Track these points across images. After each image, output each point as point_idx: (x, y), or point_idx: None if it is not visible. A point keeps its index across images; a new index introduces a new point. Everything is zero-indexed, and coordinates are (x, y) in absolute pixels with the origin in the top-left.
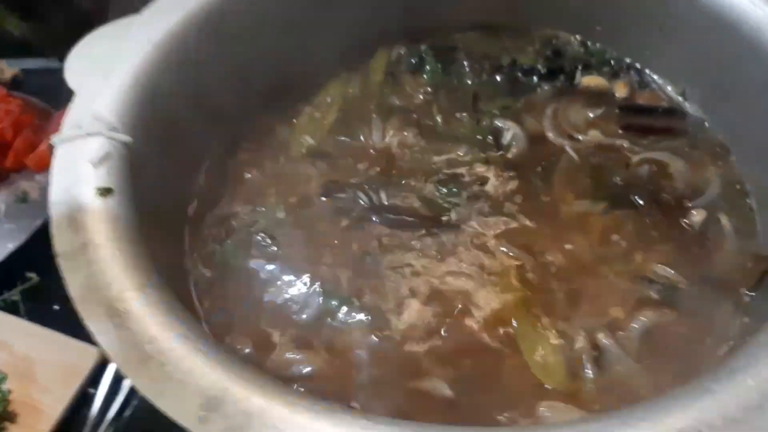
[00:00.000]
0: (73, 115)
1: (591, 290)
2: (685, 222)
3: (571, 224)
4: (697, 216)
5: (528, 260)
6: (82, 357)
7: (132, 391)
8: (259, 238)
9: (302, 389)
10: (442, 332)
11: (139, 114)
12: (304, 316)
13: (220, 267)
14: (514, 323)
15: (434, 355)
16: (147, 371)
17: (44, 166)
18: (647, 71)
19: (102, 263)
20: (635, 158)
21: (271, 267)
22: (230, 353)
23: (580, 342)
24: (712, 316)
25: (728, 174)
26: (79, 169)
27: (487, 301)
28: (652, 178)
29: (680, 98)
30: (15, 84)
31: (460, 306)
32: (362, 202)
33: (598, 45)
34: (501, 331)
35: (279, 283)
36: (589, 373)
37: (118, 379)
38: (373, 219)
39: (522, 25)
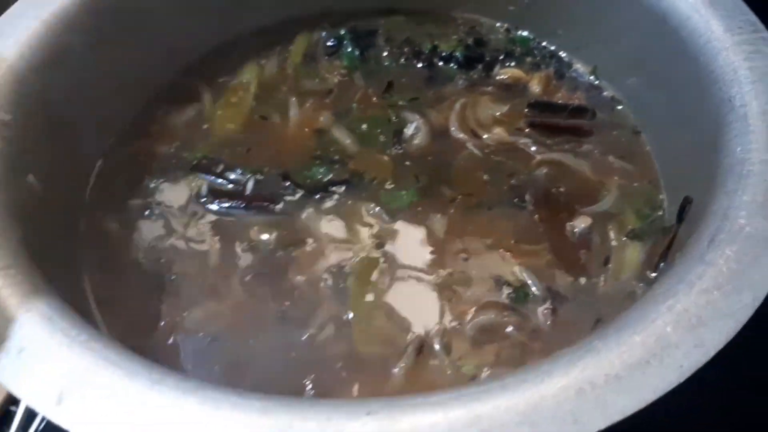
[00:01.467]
0: None
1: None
2: (570, 227)
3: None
4: (580, 222)
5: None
6: None
7: None
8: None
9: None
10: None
11: (19, 92)
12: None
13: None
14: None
15: None
16: (4, 355)
17: None
18: (565, 57)
19: None
20: (536, 159)
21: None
22: (97, 335)
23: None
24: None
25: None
26: None
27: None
28: (550, 180)
29: (592, 78)
30: None
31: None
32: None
33: (520, 33)
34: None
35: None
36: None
37: None
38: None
39: (446, 11)
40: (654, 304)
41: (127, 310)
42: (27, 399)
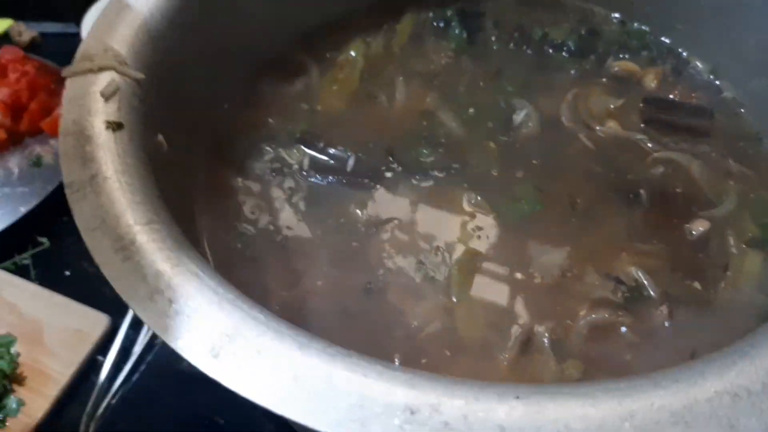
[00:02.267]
0: (85, 49)
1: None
2: (687, 229)
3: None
4: (698, 225)
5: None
6: (92, 324)
7: (140, 360)
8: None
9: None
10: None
11: (152, 52)
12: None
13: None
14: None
15: None
16: (154, 306)
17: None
18: (683, 54)
19: (110, 195)
20: (652, 156)
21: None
22: (242, 294)
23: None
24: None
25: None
26: (90, 102)
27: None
28: (666, 179)
29: (712, 77)
30: (32, 47)
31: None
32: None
33: (636, 25)
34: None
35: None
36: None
37: (126, 348)
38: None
39: None
40: None
41: (239, 271)
42: (182, 351)
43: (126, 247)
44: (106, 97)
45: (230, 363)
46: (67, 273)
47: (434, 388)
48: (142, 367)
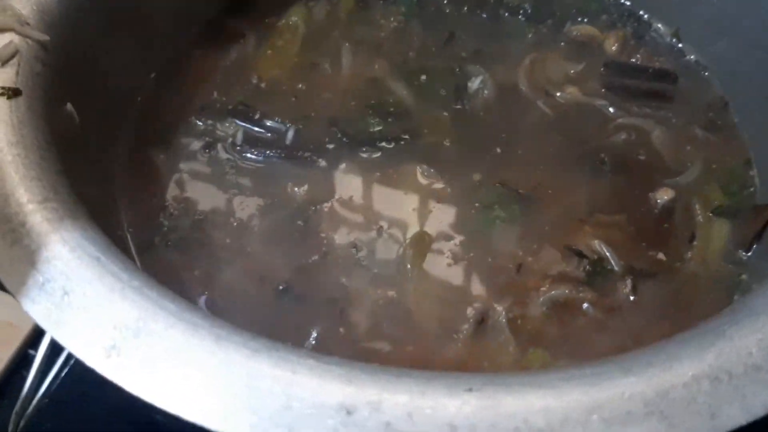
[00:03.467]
0: None
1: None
2: (651, 198)
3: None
4: (662, 194)
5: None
6: (22, 316)
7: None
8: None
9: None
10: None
11: (61, 12)
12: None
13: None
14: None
15: None
16: (45, 296)
17: None
18: (645, 16)
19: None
20: (614, 122)
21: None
22: (151, 281)
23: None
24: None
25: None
26: None
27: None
28: (629, 147)
29: (674, 41)
30: None
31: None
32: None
33: None
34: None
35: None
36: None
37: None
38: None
39: None
40: None
41: (163, 254)
42: (74, 350)
43: (15, 230)
44: (3, 60)
45: (132, 362)
46: None
47: (374, 382)
48: (76, 363)
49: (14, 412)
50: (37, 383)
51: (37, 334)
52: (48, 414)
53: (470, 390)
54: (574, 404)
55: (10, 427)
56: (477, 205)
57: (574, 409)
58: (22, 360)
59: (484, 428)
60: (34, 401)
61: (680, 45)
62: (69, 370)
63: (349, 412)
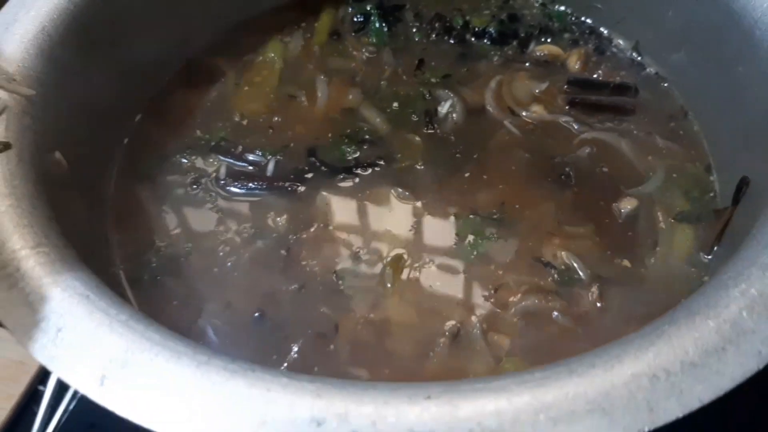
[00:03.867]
0: None
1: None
2: (616, 208)
3: (487, 193)
4: (626, 204)
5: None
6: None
7: None
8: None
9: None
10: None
11: (44, 67)
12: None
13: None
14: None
15: None
16: (41, 334)
17: None
18: (605, 32)
19: None
20: (578, 138)
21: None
22: (137, 314)
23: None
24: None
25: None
26: None
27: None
28: (593, 160)
29: (634, 54)
30: None
31: None
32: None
33: (557, 7)
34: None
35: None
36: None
37: None
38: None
39: None
40: (725, 289)
41: (155, 289)
42: (69, 380)
43: (11, 275)
44: None
45: (121, 389)
46: None
47: (342, 396)
48: (83, 395)
49: None
50: (47, 417)
51: (46, 370)
52: None
53: (429, 398)
54: (523, 406)
55: None
56: (456, 236)
57: (524, 410)
58: (32, 396)
59: None
60: None
61: (640, 59)
62: (77, 403)
63: (318, 424)
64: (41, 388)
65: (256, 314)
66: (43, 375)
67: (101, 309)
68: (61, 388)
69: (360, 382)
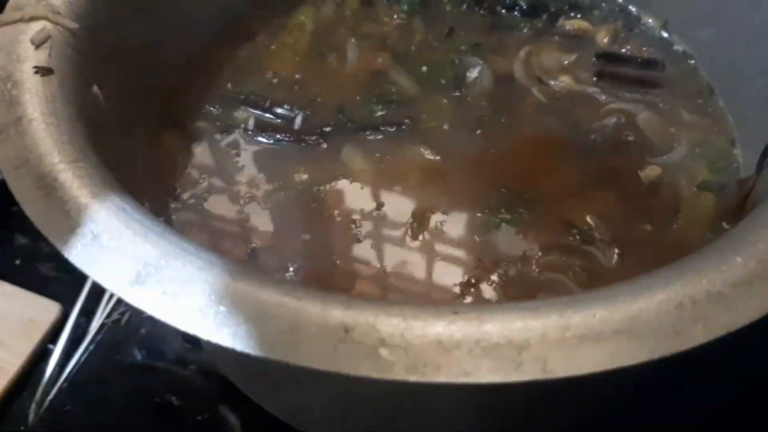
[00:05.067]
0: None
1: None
2: (639, 176)
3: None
4: (650, 172)
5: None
6: (43, 312)
7: (90, 346)
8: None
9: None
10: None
11: (90, 5)
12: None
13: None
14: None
15: None
16: (78, 240)
17: None
18: (634, 11)
19: (34, 136)
20: (605, 107)
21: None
22: (172, 229)
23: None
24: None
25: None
26: (18, 50)
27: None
28: (619, 129)
29: (662, 32)
30: None
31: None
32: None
33: None
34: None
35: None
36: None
37: (76, 336)
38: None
39: None
40: (753, 229)
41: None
42: (102, 280)
43: (49, 185)
44: (36, 44)
45: (155, 291)
46: (17, 262)
47: (372, 308)
48: (93, 354)
49: (34, 401)
50: (56, 375)
51: (56, 329)
52: (66, 402)
53: (456, 313)
54: (550, 324)
55: (30, 416)
56: (482, 200)
57: (551, 327)
58: (42, 354)
59: (468, 344)
60: (53, 391)
61: (668, 36)
62: (87, 362)
63: (347, 330)
64: (51, 346)
65: (279, 264)
66: (53, 334)
67: (137, 220)
68: (71, 347)
69: (390, 300)
